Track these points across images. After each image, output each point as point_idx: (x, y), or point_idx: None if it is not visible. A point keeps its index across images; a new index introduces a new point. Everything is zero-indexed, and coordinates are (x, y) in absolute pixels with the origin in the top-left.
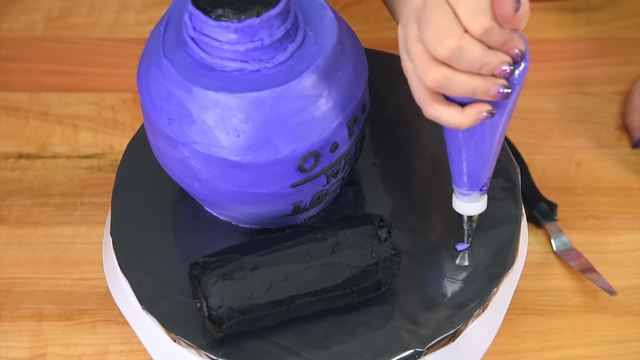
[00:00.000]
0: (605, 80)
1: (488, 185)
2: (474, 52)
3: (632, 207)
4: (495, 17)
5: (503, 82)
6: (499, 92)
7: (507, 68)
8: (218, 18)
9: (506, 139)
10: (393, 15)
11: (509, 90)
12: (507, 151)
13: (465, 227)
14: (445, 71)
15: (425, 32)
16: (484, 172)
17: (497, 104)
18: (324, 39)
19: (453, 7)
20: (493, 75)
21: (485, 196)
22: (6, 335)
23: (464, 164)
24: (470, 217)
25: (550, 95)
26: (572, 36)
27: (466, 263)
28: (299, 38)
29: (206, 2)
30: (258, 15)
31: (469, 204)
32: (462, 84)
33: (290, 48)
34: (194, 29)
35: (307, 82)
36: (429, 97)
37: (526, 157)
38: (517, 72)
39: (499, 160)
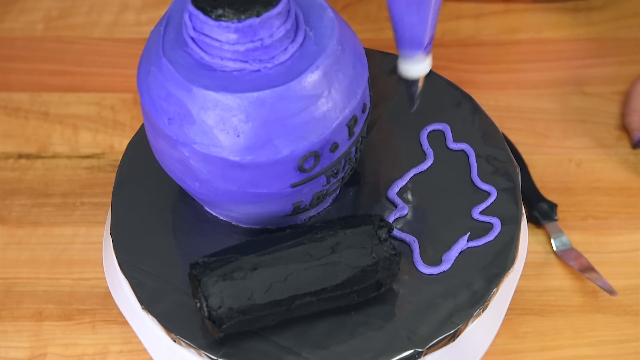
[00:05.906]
0: (605, 80)
1: (431, 46)
2: None
3: (632, 207)
4: None
5: None
6: None
7: None
8: (218, 18)
9: (506, 139)
10: None
11: None
12: (507, 151)
13: (412, 90)
14: None
15: None
16: (426, 33)
17: None
18: (324, 39)
19: None
20: None
21: (430, 58)
22: (6, 335)
23: (407, 28)
24: (416, 81)
25: (550, 95)
26: (572, 36)
27: (466, 263)
28: (299, 38)
29: (206, 2)
30: (258, 15)
31: (414, 66)
32: None
33: (291, 48)
34: (194, 29)
35: (307, 82)
36: None
37: (526, 157)
38: None
39: (499, 160)
